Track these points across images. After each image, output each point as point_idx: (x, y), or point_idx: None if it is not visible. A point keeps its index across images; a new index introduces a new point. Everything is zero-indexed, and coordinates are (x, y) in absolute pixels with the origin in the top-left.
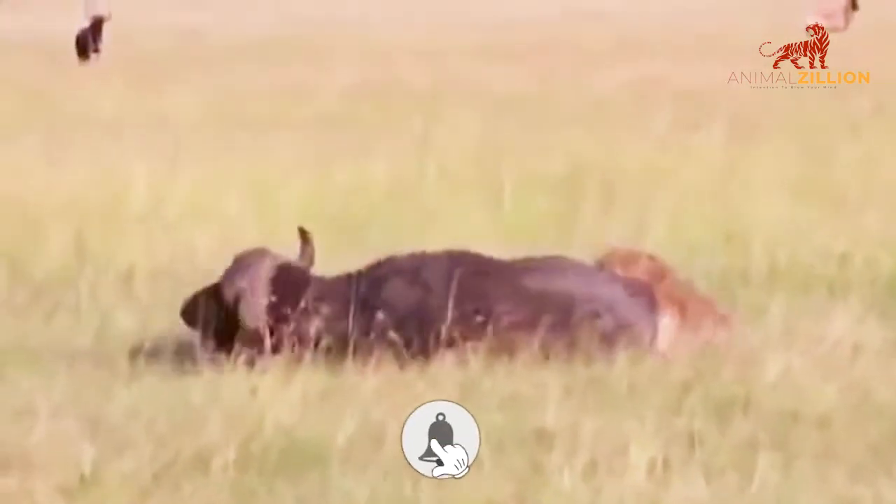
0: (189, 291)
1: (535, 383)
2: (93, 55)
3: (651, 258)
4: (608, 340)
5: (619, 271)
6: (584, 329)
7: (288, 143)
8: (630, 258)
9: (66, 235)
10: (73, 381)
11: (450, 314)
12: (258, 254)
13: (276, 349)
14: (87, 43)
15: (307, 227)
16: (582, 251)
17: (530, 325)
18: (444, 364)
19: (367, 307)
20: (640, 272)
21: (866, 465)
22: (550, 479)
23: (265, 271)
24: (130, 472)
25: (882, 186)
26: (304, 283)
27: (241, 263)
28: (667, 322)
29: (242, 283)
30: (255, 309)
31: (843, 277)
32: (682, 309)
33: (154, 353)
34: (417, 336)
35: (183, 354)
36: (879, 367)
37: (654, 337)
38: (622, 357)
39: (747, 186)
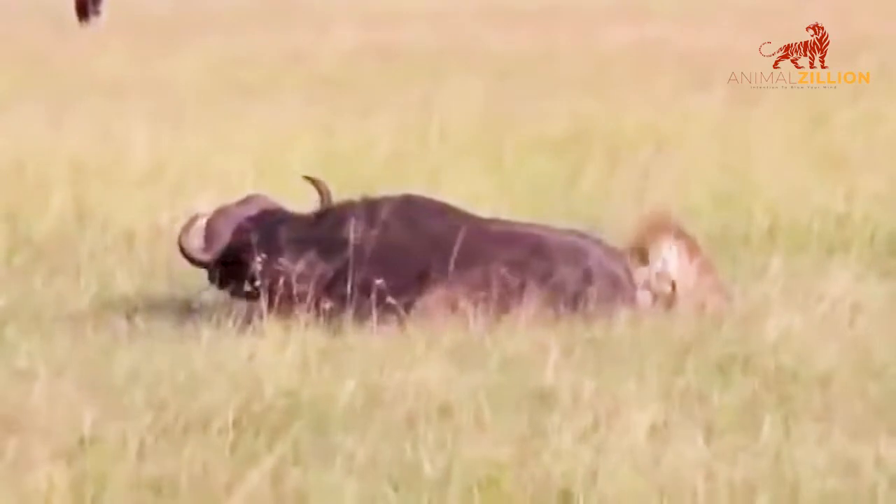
0: None
1: (536, 343)
2: (93, 17)
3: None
4: (589, 279)
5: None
6: (565, 267)
7: (290, 106)
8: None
9: (67, 198)
10: (74, 343)
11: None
12: (249, 198)
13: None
14: (86, 5)
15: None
16: (583, 213)
17: (503, 263)
18: (444, 325)
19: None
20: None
21: (867, 423)
22: (551, 439)
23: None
24: (130, 434)
25: (881, 146)
26: (277, 228)
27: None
28: (674, 251)
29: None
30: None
31: (842, 236)
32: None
33: (154, 316)
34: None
35: (183, 316)
36: (879, 325)
37: (631, 285)
38: (622, 316)
39: (748, 147)
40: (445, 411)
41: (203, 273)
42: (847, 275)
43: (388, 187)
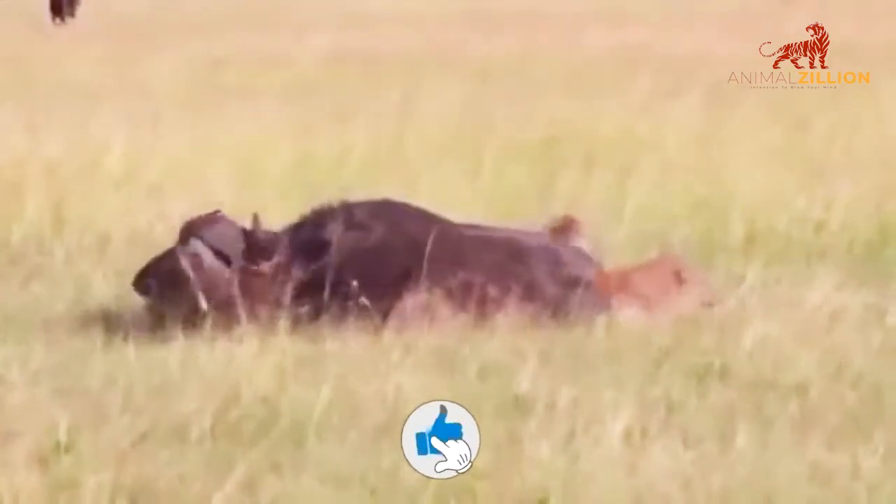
0: None
1: (513, 350)
2: (68, 19)
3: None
4: (566, 283)
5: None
6: (541, 270)
7: (268, 110)
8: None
9: (43, 201)
10: (49, 349)
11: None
12: (213, 218)
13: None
14: (61, 7)
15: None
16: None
17: (482, 268)
18: (421, 331)
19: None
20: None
21: (844, 432)
22: (528, 447)
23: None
24: (107, 441)
25: (859, 153)
26: (267, 244)
27: (196, 223)
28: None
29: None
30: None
31: (820, 244)
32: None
33: (130, 321)
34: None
35: (160, 323)
36: (857, 334)
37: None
38: (600, 324)
39: (726, 154)
40: None
41: None
42: (825, 283)
43: (365, 191)
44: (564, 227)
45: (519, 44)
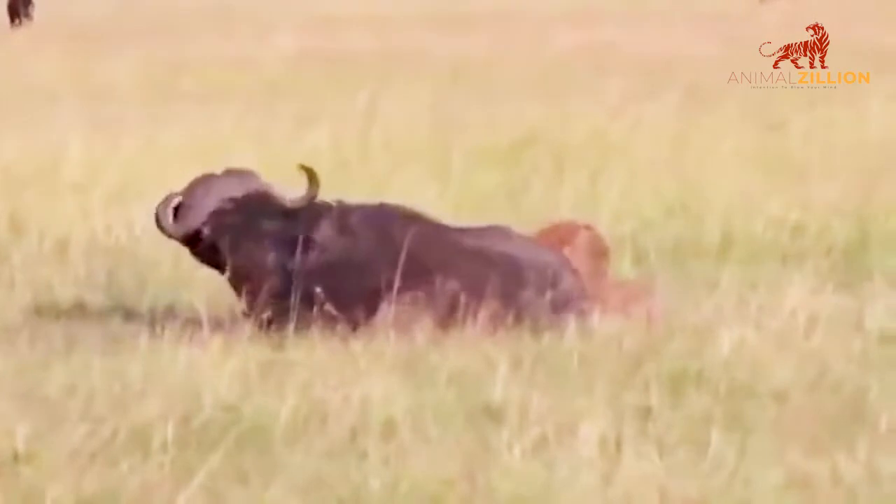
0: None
1: (484, 357)
2: (25, 21)
3: (588, 228)
4: (556, 305)
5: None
6: (534, 291)
7: (231, 113)
8: (570, 231)
9: (0, 206)
10: (7, 355)
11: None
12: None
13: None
14: (17, 8)
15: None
16: (531, 223)
17: (474, 284)
18: (390, 339)
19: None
20: (580, 247)
21: (822, 439)
22: (500, 455)
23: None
24: (66, 450)
25: (836, 154)
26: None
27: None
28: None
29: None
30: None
31: (797, 248)
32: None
33: (90, 328)
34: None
35: (120, 327)
36: (835, 338)
37: (584, 298)
38: (572, 329)
39: (700, 156)
40: (389, 427)
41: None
42: (802, 286)
43: (330, 195)
44: (563, 232)
45: (488, 45)
